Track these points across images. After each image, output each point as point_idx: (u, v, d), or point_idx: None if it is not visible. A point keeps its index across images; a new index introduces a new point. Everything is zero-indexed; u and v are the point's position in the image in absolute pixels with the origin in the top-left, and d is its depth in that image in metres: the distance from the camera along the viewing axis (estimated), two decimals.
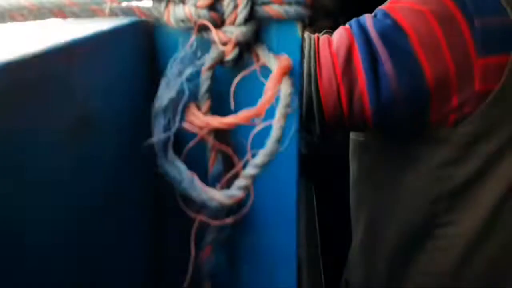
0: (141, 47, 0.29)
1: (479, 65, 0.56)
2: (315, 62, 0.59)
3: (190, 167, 0.28)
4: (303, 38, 0.32)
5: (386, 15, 0.59)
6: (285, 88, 0.29)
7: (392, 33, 0.57)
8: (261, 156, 0.26)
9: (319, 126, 0.60)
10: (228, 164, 0.30)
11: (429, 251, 0.62)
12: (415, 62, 0.56)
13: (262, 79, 0.31)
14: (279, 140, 0.26)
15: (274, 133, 0.26)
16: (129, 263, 0.31)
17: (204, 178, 0.29)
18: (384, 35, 0.58)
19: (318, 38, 0.62)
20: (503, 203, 0.59)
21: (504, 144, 0.57)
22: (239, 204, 0.27)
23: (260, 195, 0.32)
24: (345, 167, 0.75)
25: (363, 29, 0.59)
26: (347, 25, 0.63)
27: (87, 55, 0.24)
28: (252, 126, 0.28)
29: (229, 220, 0.27)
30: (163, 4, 0.30)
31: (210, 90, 0.30)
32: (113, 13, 0.30)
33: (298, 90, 0.32)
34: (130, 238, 0.31)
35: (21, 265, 0.21)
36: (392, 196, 0.64)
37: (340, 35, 0.60)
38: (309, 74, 0.59)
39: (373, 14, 0.63)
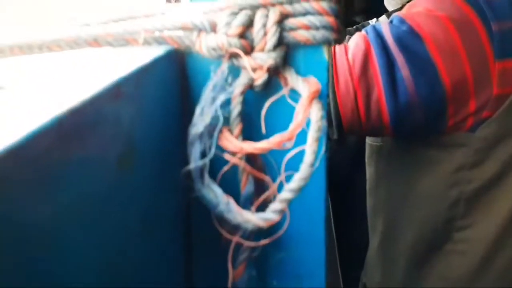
0: (175, 76, 0.31)
1: (497, 69, 0.56)
2: (332, 68, 0.60)
3: (223, 189, 0.29)
4: (329, 61, 0.33)
5: (402, 21, 0.60)
6: (316, 112, 0.30)
7: (409, 39, 0.58)
8: (296, 181, 0.27)
9: (337, 131, 0.61)
10: (259, 185, 0.32)
11: (447, 254, 0.63)
12: (432, 67, 0.57)
13: (291, 102, 0.32)
14: (313, 164, 0.27)
15: (307, 158, 0.28)
16: (163, 284, 0.32)
17: (236, 200, 0.30)
18: (400, 41, 0.58)
19: (335, 44, 0.63)
20: None
21: None
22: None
23: (290, 213, 0.33)
24: (357, 171, 0.76)
25: (379, 36, 0.60)
26: (363, 32, 0.64)
27: (131, 90, 0.25)
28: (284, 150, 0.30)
29: (264, 242, 0.28)
30: (195, 33, 0.31)
31: (241, 114, 0.32)
32: (146, 43, 0.31)
33: (326, 111, 0.33)
34: (165, 260, 0.32)
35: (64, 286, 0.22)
36: (409, 200, 0.65)
37: (356, 42, 0.61)
38: None
39: (389, 20, 0.64)
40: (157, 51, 0.31)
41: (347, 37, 0.66)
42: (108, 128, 0.23)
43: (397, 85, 0.56)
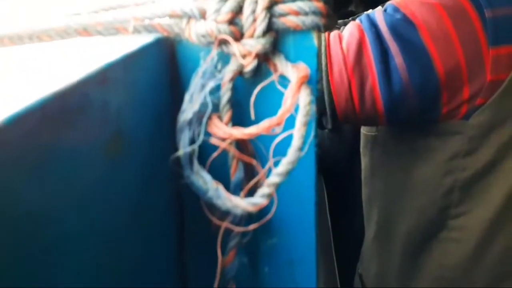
0: (164, 63, 0.31)
1: (490, 55, 0.56)
2: (326, 57, 0.60)
3: (213, 175, 0.29)
4: (319, 47, 0.33)
5: (396, 9, 0.60)
6: (304, 97, 0.30)
7: (402, 27, 0.58)
8: (284, 165, 0.27)
9: (331, 120, 0.61)
10: (249, 171, 0.32)
11: (442, 242, 0.63)
12: (426, 55, 0.57)
13: (280, 88, 0.32)
14: (300, 148, 0.28)
15: (295, 142, 0.28)
16: (156, 272, 0.32)
17: (226, 185, 0.31)
18: (394, 29, 0.58)
19: (329, 33, 0.63)
20: None
21: None
22: (261, 209, 0.29)
23: (279, 199, 0.33)
24: (355, 161, 0.76)
25: (373, 24, 0.60)
26: (357, 21, 0.64)
27: (118, 75, 0.25)
28: (273, 135, 0.30)
29: (253, 227, 0.29)
30: (184, 21, 0.31)
31: (230, 101, 0.32)
32: (136, 31, 0.31)
33: (315, 97, 0.33)
34: (157, 247, 0.33)
35: (52, 277, 0.23)
36: (404, 189, 0.65)
37: (350, 30, 0.61)
38: (320, 70, 0.60)
39: (383, 8, 0.64)
40: (147, 38, 0.31)
41: (342, 27, 0.66)
42: (95, 114, 0.23)
43: (391, 73, 0.56)
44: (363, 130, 0.72)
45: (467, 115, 0.58)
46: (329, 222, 0.81)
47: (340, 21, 0.77)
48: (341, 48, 0.59)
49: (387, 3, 0.63)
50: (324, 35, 0.62)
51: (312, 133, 0.32)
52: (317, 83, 0.33)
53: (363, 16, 0.62)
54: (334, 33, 0.62)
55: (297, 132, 0.28)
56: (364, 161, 0.73)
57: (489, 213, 0.60)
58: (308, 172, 0.34)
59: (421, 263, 0.65)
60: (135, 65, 0.27)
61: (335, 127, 0.62)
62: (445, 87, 0.57)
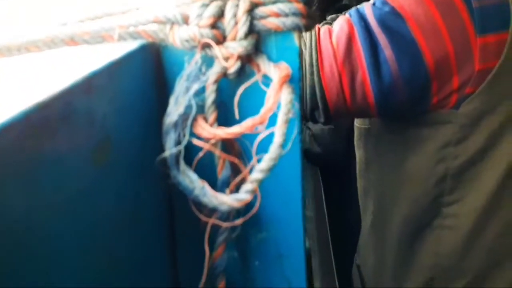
0: (150, 68, 0.32)
1: (478, 44, 0.57)
2: (316, 52, 0.61)
3: (200, 175, 0.30)
4: (300, 47, 0.34)
5: (384, 2, 0.61)
6: (286, 95, 0.31)
7: (391, 20, 0.59)
8: (266, 161, 0.28)
9: (323, 114, 0.62)
10: (235, 169, 0.33)
11: (436, 230, 0.64)
12: (415, 47, 0.58)
13: (264, 88, 0.33)
14: (282, 145, 0.29)
15: (277, 139, 0.29)
16: (149, 272, 0.34)
17: (214, 184, 0.32)
18: (383, 22, 0.59)
19: (319, 28, 0.64)
20: (506, 180, 0.60)
21: (505, 121, 0.59)
22: (248, 205, 0.30)
23: (267, 195, 0.34)
24: (352, 157, 0.77)
25: (362, 18, 0.61)
26: (347, 15, 0.65)
27: (103, 83, 0.26)
28: (257, 133, 0.31)
29: (239, 222, 0.30)
30: (168, 26, 0.32)
31: (215, 102, 0.33)
32: (121, 38, 0.32)
33: (298, 95, 0.34)
34: (149, 247, 0.34)
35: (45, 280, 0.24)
36: (398, 179, 0.66)
37: (340, 25, 0.62)
38: (311, 64, 0.61)
39: (372, 2, 0.64)
40: (132, 45, 0.32)
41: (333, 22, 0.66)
42: (80, 122, 0.24)
43: (381, 66, 0.57)
44: (357, 123, 0.73)
45: (457, 104, 0.58)
46: (326, 215, 0.82)
47: (333, 15, 0.77)
48: (331, 42, 0.60)
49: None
50: (314, 30, 0.63)
51: (296, 130, 0.33)
52: (300, 81, 0.34)
53: (353, 10, 0.63)
54: (324, 28, 0.63)
55: (279, 130, 0.29)
56: (359, 154, 0.74)
57: (481, 200, 0.61)
58: (294, 168, 0.35)
59: (416, 251, 0.66)
60: (120, 72, 0.28)
61: (328, 121, 0.63)
62: (435, 78, 0.57)
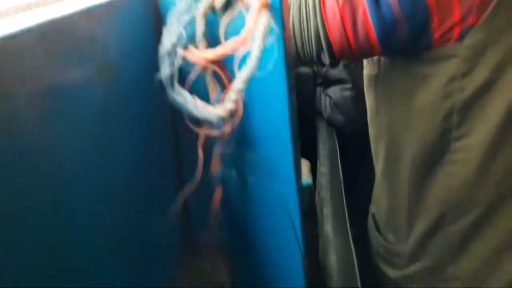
0: (147, 4, 0.37)
1: None
2: None
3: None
4: None
5: None
6: (265, 18, 0.35)
7: None
8: (244, 71, 0.33)
9: (329, 55, 0.64)
10: (225, 91, 0.38)
11: (446, 165, 0.65)
12: None
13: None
14: (258, 58, 0.33)
15: (253, 52, 0.33)
16: (158, 211, 0.39)
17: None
18: None
19: None
20: None
21: (509, 51, 0.58)
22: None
23: (256, 116, 0.39)
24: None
25: None
26: None
27: (103, 16, 0.31)
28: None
29: (227, 130, 0.35)
30: None
31: (205, 34, 0.37)
32: None
33: (281, 23, 0.38)
34: (157, 179, 0.39)
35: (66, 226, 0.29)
36: (408, 119, 0.67)
37: None
38: (314, 7, 0.63)
39: None
40: None
41: None
42: (86, 43, 0.29)
43: (380, 4, 0.58)
44: (365, 71, 0.75)
45: (461, 37, 0.59)
46: (341, 177, 0.84)
47: None
48: None
49: None
50: None
51: (277, 54, 0.37)
52: (281, 11, 0.37)
53: None
54: None
55: (256, 46, 0.33)
56: (369, 101, 0.76)
57: (489, 132, 0.61)
58: (279, 89, 0.39)
59: (427, 189, 0.67)
60: (119, 7, 0.33)
61: (334, 62, 0.65)
62: (435, 10, 0.58)
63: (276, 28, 0.36)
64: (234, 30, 0.38)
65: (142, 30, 0.36)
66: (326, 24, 0.61)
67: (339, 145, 0.99)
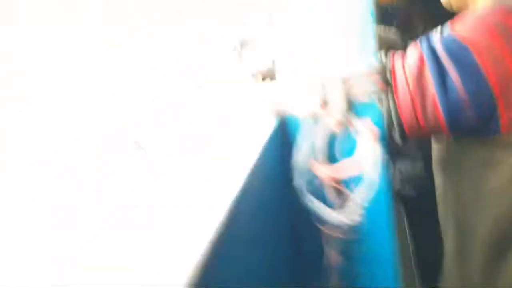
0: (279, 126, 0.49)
1: None
2: (391, 79, 0.70)
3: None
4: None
5: (450, 33, 0.70)
6: (376, 147, 0.46)
7: (456, 48, 0.67)
8: (364, 192, 0.43)
9: (400, 134, 0.71)
10: (339, 194, 0.48)
11: None
12: (478, 71, 0.65)
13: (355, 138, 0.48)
14: (375, 182, 0.43)
15: (372, 177, 0.43)
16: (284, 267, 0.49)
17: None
18: (449, 50, 0.67)
19: (394, 55, 0.74)
20: None
21: None
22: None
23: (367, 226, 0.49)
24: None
25: (430, 46, 0.70)
26: (417, 43, 0.74)
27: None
28: None
29: (342, 233, 0.45)
30: None
31: (326, 152, 0.48)
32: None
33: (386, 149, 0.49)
34: (284, 250, 0.50)
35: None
36: (477, 200, 0.71)
37: (411, 52, 0.71)
38: (387, 90, 0.71)
39: (439, 31, 0.73)
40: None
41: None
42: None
43: (447, 86, 0.64)
44: (434, 152, 0.81)
45: None
46: (410, 246, 0.86)
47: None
48: (403, 68, 0.69)
49: (444, 26, 0.72)
50: (389, 59, 0.72)
51: (384, 174, 0.47)
52: (387, 144, 0.48)
53: (423, 38, 0.72)
54: (397, 56, 0.72)
55: (372, 170, 0.43)
56: (437, 179, 0.81)
57: None
58: (384, 205, 0.49)
59: (501, 268, 0.70)
60: (267, 146, 0.46)
61: (404, 139, 0.71)
62: (501, 99, 0.62)
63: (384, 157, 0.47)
64: (347, 148, 0.49)
65: (279, 150, 0.48)
66: (398, 106, 0.68)
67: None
